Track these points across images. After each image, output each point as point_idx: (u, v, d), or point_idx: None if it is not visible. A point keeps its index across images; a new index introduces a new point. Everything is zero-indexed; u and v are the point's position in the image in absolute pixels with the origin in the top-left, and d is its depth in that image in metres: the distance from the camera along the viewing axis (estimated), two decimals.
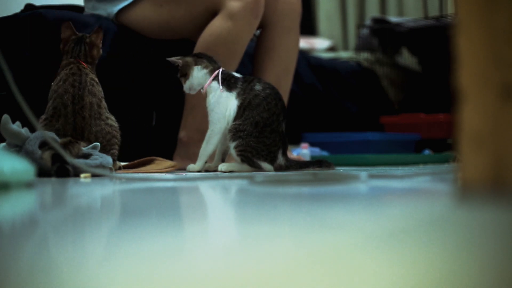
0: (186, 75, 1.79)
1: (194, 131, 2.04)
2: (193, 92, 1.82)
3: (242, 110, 1.74)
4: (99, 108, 1.65)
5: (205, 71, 1.79)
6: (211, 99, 1.78)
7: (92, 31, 1.75)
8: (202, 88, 1.80)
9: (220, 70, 1.79)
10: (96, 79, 1.68)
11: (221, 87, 1.76)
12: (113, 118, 1.70)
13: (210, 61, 1.81)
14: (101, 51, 1.76)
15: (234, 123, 1.74)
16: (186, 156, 2.08)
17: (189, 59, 1.80)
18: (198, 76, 1.79)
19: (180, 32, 2.15)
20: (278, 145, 1.75)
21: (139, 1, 2.10)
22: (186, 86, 1.80)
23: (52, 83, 1.67)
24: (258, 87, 1.75)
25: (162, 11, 2.09)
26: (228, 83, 1.77)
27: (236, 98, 1.75)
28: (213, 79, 1.79)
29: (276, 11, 2.21)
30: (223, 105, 1.76)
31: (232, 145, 1.74)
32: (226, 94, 1.77)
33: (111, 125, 1.67)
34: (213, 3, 2.03)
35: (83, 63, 1.69)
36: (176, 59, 1.80)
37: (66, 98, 1.62)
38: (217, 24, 2.00)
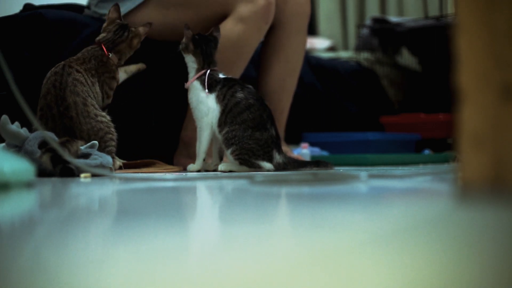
0: (183, 50, 1.84)
1: (195, 131, 2.04)
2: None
3: (224, 116, 1.75)
4: (85, 106, 1.62)
5: (194, 66, 1.83)
6: (193, 97, 1.82)
7: (142, 24, 1.82)
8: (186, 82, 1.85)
9: (208, 72, 1.80)
10: (82, 79, 1.64)
11: (206, 90, 1.78)
12: (103, 114, 1.67)
13: (203, 61, 1.82)
14: (139, 45, 1.80)
15: (222, 132, 1.75)
16: (187, 155, 2.09)
17: (191, 46, 1.83)
18: (188, 64, 1.85)
19: None
20: (271, 146, 1.76)
21: (145, 3, 2.09)
22: (179, 48, 1.86)
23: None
24: (240, 94, 1.76)
25: (169, 14, 2.09)
26: (209, 85, 1.79)
27: (217, 102, 1.77)
28: (197, 78, 1.81)
29: (285, 12, 2.21)
30: (204, 103, 1.79)
31: (228, 151, 1.75)
32: (205, 94, 1.78)
33: (102, 122, 1.64)
34: (223, 7, 2.03)
35: (105, 50, 1.72)
36: (187, 34, 1.83)
37: (49, 99, 1.60)
38: (227, 28, 2.00)
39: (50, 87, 1.61)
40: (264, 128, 1.75)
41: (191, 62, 1.84)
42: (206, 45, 1.84)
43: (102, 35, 1.76)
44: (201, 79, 1.81)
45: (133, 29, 1.78)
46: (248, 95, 1.77)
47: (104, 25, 1.79)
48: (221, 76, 1.82)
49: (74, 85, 1.62)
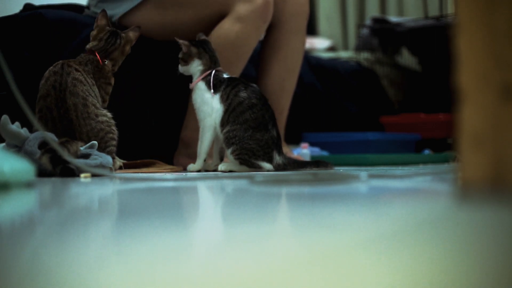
0: (186, 61, 1.83)
1: (195, 131, 2.04)
2: (185, 74, 1.86)
3: (227, 116, 1.75)
4: (85, 107, 1.61)
5: (200, 68, 1.82)
6: (197, 98, 1.82)
7: (130, 28, 1.81)
8: (191, 82, 1.85)
9: (213, 72, 1.80)
10: (81, 78, 1.63)
11: (212, 91, 1.78)
12: (104, 112, 1.65)
13: (210, 60, 1.82)
14: (130, 50, 1.80)
15: (224, 131, 1.75)
16: (187, 155, 2.09)
17: (194, 50, 1.82)
18: (194, 69, 1.83)
19: (186, 34, 2.15)
20: (272, 147, 1.76)
21: (144, 3, 2.09)
22: (181, 69, 1.85)
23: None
24: (243, 94, 1.76)
25: (168, 13, 2.09)
26: (214, 86, 1.79)
27: (220, 102, 1.77)
28: (202, 79, 1.80)
29: (284, 12, 2.21)
30: (208, 104, 1.79)
31: (229, 151, 1.75)
32: (209, 95, 1.78)
33: (102, 122, 1.63)
34: (222, 6, 2.03)
35: (99, 58, 1.71)
36: (183, 43, 1.82)
37: (49, 101, 1.59)
38: (225, 27, 2.00)
39: (50, 89, 1.60)
40: (265, 128, 1.75)
41: (197, 66, 1.83)
42: (205, 45, 1.84)
43: (93, 43, 1.74)
44: (206, 79, 1.80)
45: (123, 35, 1.77)
46: (251, 94, 1.77)
47: (93, 33, 1.76)
48: (225, 76, 1.82)
49: (73, 85, 1.61)
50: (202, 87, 1.80)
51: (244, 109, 1.75)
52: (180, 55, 1.84)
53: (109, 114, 1.66)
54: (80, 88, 1.62)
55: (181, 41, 1.82)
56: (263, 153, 1.75)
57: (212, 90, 1.78)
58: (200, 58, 1.82)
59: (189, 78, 1.87)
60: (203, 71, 1.82)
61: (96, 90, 1.69)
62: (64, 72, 1.61)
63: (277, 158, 1.77)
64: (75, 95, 1.60)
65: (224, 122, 1.76)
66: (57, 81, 1.60)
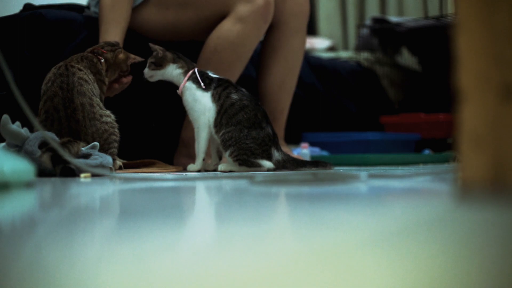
0: (161, 65, 1.82)
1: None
2: (151, 80, 1.85)
3: (220, 117, 1.75)
4: (92, 107, 1.62)
5: (180, 71, 1.82)
6: (188, 98, 1.81)
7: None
8: (178, 88, 1.84)
9: (196, 69, 1.81)
10: (86, 77, 1.65)
11: (202, 84, 1.78)
12: (108, 113, 1.67)
13: (186, 62, 1.83)
14: (125, 68, 1.81)
15: (219, 134, 1.75)
16: (187, 155, 2.09)
17: (169, 54, 1.83)
18: (172, 74, 1.83)
19: (187, 35, 2.15)
20: (269, 144, 1.76)
21: (145, 3, 2.09)
22: (148, 73, 1.84)
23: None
24: (234, 96, 1.77)
25: (168, 14, 2.09)
26: (203, 81, 1.79)
27: (212, 101, 1.77)
28: (188, 79, 1.80)
29: (284, 12, 2.21)
30: (200, 102, 1.78)
31: (227, 154, 1.75)
32: (200, 93, 1.78)
33: (107, 122, 1.64)
34: (222, 6, 2.03)
35: (103, 51, 1.74)
36: (157, 48, 1.82)
37: (56, 102, 1.60)
38: (225, 27, 2.00)
39: (57, 90, 1.61)
40: (259, 127, 1.75)
41: (175, 70, 1.82)
42: (177, 51, 1.86)
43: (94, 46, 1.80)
44: (192, 78, 1.80)
45: (122, 49, 1.80)
46: (242, 97, 1.77)
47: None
48: (211, 74, 1.82)
49: (80, 84, 1.63)
50: (191, 87, 1.80)
51: (237, 110, 1.75)
52: (152, 59, 1.83)
53: (112, 116, 1.67)
54: (86, 87, 1.64)
55: (155, 46, 1.82)
56: (262, 151, 1.75)
57: (202, 84, 1.78)
58: (175, 62, 1.82)
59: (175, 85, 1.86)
60: (185, 72, 1.82)
61: (97, 88, 1.70)
62: (69, 72, 1.63)
63: (276, 155, 1.77)
64: (82, 94, 1.62)
65: (217, 123, 1.76)
66: (64, 82, 1.61)
